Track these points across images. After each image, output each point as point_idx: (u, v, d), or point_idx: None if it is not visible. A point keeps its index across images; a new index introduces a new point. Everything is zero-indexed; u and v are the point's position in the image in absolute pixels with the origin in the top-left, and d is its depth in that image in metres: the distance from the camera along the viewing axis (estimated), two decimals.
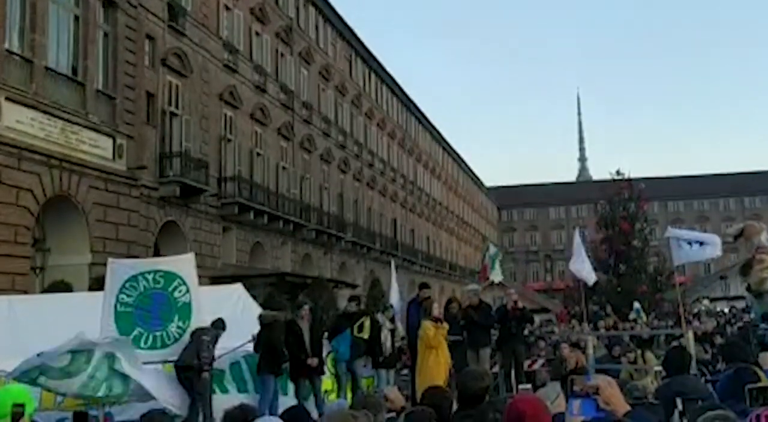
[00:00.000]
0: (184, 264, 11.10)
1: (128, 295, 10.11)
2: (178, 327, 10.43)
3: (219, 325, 10.73)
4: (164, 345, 10.33)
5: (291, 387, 11.94)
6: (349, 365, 12.97)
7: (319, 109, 41.00)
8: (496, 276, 19.68)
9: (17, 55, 18.53)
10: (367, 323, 13.47)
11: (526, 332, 16.61)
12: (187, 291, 10.54)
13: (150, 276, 10.42)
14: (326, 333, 13.20)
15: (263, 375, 11.20)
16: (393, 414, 5.18)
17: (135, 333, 10.08)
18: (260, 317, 11.52)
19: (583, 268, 17.34)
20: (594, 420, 4.11)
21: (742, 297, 32.85)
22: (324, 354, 12.64)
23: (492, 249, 19.84)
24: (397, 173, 56.63)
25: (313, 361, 11.80)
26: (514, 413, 3.73)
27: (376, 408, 4.73)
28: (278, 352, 11.36)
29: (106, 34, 21.93)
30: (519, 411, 3.72)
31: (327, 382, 12.78)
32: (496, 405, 4.58)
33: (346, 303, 14.24)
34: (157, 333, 10.27)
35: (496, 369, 14.67)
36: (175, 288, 10.46)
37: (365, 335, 13.38)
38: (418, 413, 4.53)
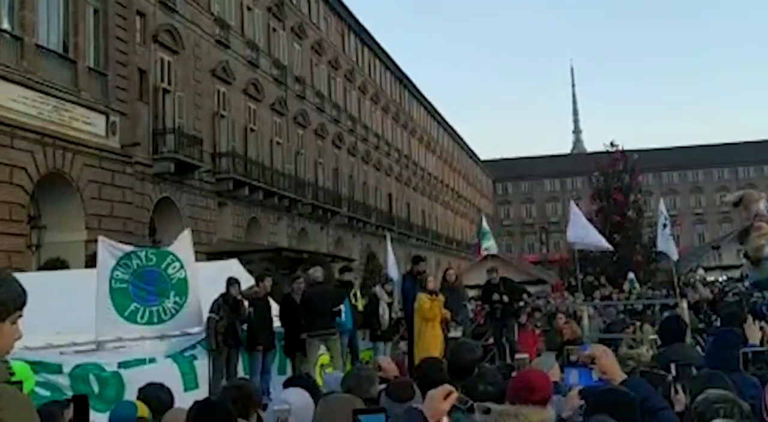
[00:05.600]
0: (177, 242, 11.14)
1: (123, 272, 10.14)
2: (175, 302, 10.47)
3: (232, 282, 10.92)
4: (161, 321, 10.36)
5: (289, 365, 12.01)
6: (351, 335, 13.03)
7: (312, 84, 40.83)
8: (491, 248, 19.32)
9: (7, 32, 18.38)
10: (359, 293, 13.54)
11: (522, 303, 16.55)
12: (182, 267, 10.56)
13: (142, 254, 10.47)
14: None
15: (252, 350, 11.30)
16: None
17: (131, 308, 10.12)
18: (242, 294, 11.56)
19: (587, 235, 17.10)
20: (589, 388, 4.14)
21: (735, 267, 32.98)
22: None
23: (483, 224, 19.63)
24: (392, 147, 56.52)
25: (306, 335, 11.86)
26: (523, 383, 3.76)
27: (370, 380, 4.74)
28: (262, 327, 11.41)
29: (96, 11, 21.74)
30: (529, 383, 3.74)
31: (324, 357, 12.85)
32: (486, 378, 4.60)
33: (338, 274, 14.29)
34: (153, 309, 10.31)
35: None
36: (168, 265, 10.49)
37: (359, 305, 13.45)
38: (397, 384, 4.55)
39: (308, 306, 11.93)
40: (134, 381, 8.60)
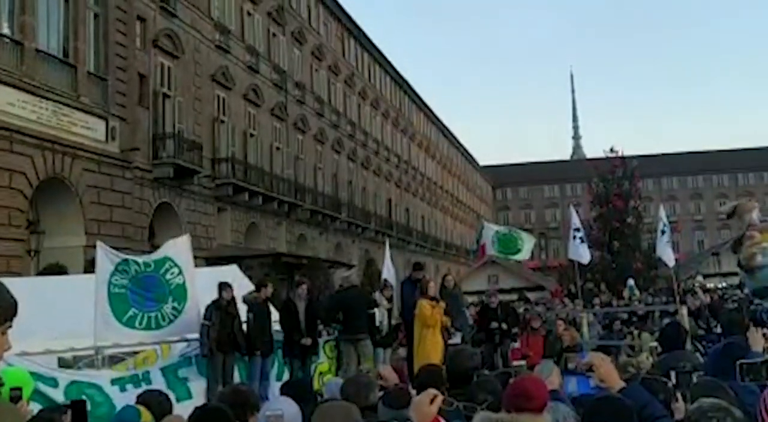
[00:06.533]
0: (175, 247, 11.12)
1: (121, 277, 10.13)
2: (173, 308, 10.46)
3: (223, 287, 10.93)
4: (159, 326, 10.36)
5: (287, 371, 11.99)
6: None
7: (312, 89, 40.84)
8: (523, 253, 18.33)
9: (7, 37, 18.39)
10: None
11: (521, 310, 16.56)
12: (180, 272, 10.56)
13: (140, 261, 10.46)
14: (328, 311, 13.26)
15: (251, 356, 11.29)
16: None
17: (130, 313, 10.11)
18: (243, 300, 11.57)
19: (576, 250, 17.37)
20: (586, 396, 4.14)
21: (734, 274, 32.95)
22: (323, 339, 12.72)
23: (495, 227, 19.12)
24: (391, 153, 56.52)
25: (307, 341, 11.84)
26: (519, 391, 3.74)
27: (369, 387, 4.72)
28: (262, 332, 11.40)
29: (96, 16, 21.77)
30: (524, 390, 3.73)
31: (324, 365, 12.83)
32: (485, 386, 4.59)
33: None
34: (152, 314, 10.30)
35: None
36: (166, 271, 10.48)
37: None
38: (394, 392, 4.54)
39: (344, 308, 12.18)
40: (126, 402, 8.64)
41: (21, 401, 3.56)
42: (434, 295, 12.49)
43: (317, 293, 21.28)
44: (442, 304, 12.35)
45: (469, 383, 4.85)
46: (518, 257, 17.85)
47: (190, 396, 9.89)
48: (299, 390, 4.84)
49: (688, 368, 4.22)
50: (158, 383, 9.65)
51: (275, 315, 12.34)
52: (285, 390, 5.46)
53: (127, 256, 10.66)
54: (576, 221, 18.00)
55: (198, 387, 10.35)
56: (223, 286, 11.04)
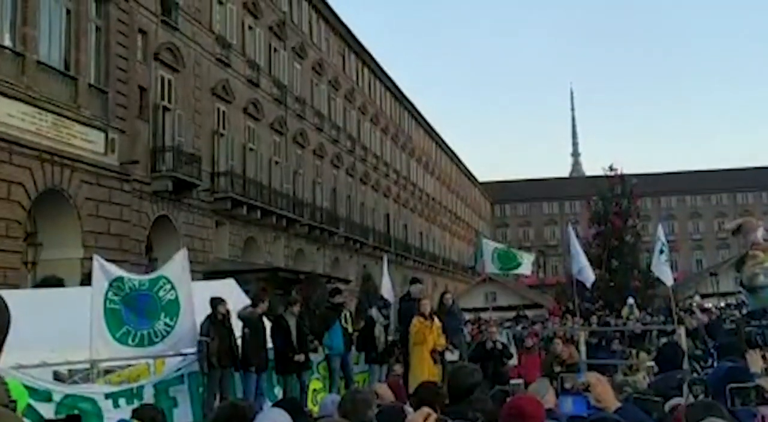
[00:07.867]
0: (171, 263, 11.11)
1: (116, 294, 10.12)
2: (166, 324, 10.44)
3: (218, 301, 10.89)
4: (152, 343, 10.34)
5: (280, 387, 11.93)
6: (344, 359, 12.93)
7: (312, 103, 40.92)
8: (524, 267, 18.11)
9: (8, 48, 18.43)
10: (348, 315, 13.52)
11: (519, 327, 16.52)
12: (172, 288, 10.54)
13: (136, 279, 10.47)
14: (318, 328, 13.22)
15: (246, 372, 11.25)
16: None
17: (123, 330, 10.10)
18: (238, 315, 11.52)
19: (582, 269, 17.28)
20: (582, 416, 4.12)
21: (732, 293, 32.93)
22: (317, 359, 12.67)
23: (494, 244, 18.98)
24: (391, 168, 56.57)
25: (300, 357, 11.78)
26: (515, 410, 3.72)
27: (365, 404, 4.70)
28: (257, 348, 11.36)
29: (98, 28, 21.84)
30: (520, 410, 3.71)
31: (316, 382, 12.77)
32: (476, 404, 4.57)
33: (329, 296, 14.28)
34: (144, 332, 10.28)
35: None
36: (160, 288, 10.49)
37: (349, 327, 13.41)
38: (388, 410, 4.52)
39: (404, 319, 12.76)
40: (118, 417, 8.61)
41: (16, 413, 3.53)
42: (425, 312, 12.43)
43: (314, 308, 21.24)
44: (436, 322, 12.29)
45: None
46: (520, 270, 17.76)
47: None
48: (291, 407, 4.82)
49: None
50: (149, 399, 9.61)
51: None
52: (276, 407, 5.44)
53: (123, 274, 10.61)
54: (575, 241, 17.89)
55: (183, 412, 10.30)
56: (218, 301, 10.98)
